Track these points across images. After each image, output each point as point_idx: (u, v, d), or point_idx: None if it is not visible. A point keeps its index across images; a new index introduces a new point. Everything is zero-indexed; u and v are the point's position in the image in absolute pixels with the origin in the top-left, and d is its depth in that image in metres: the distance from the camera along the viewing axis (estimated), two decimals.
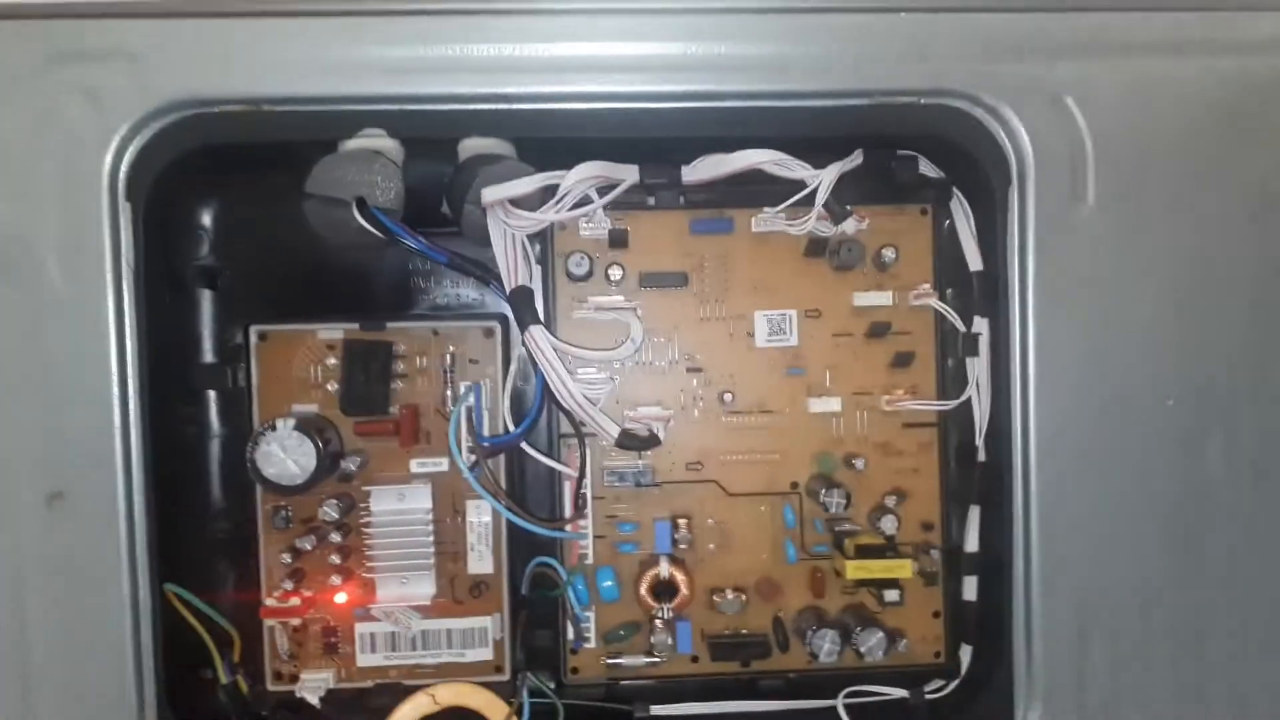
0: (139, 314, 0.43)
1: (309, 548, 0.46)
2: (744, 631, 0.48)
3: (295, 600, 0.46)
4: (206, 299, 0.48)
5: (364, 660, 0.47)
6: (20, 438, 0.43)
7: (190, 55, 0.43)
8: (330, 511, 0.45)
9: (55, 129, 0.43)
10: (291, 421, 0.43)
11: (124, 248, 0.43)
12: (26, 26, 0.43)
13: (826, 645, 0.46)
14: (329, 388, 0.47)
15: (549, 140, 0.45)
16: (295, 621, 0.46)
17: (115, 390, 0.43)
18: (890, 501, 0.47)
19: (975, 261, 0.47)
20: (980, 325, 0.47)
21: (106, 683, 0.43)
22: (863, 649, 0.46)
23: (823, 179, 0.44)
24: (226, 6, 0.43)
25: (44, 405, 0.43)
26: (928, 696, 0.48)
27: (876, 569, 0.46)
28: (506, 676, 0.47)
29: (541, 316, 0.45)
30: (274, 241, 0.48)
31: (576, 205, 0.44)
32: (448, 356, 0.47)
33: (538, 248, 0.47)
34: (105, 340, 0.43)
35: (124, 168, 0.43)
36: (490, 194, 0.43)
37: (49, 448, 0.43)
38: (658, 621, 0.47)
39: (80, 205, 0.43)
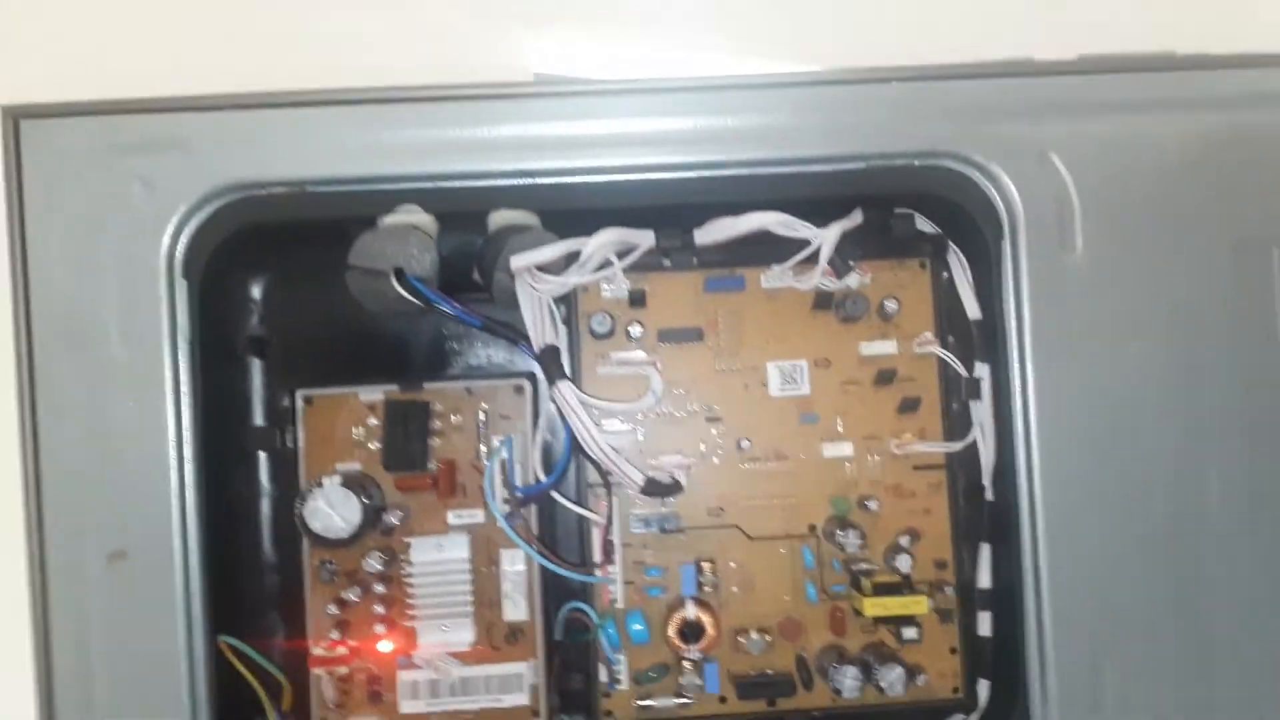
0: (194, 381, 0.46)
1: (354, 599, 0.48)
2: (769, 671, 0.49)
3: (342, 649, 0.48)
4: (256, 366, 0.51)
5: (407, 707, 0.49)
6: (84, 498, 0.46)
7: (239, 143, 0.47)
8: (374, 563, 0.48)
9: (117, 212, 0.46)
10: (338, 478, 0.46)
11: (180, 321, 0.47)
12: (90, 121, 0.47)
13: (849, 681, 0.48)
14: (371, 446, 0.49)
15: (571, 211, 0.49)
16: (341, 670, 0.49)
17: (172, 453, 0.46)
18: (904, 541, 0.50)
19: (973, 310, 0.50)
20: (981, 370, 0.50)
21: None
22: (883, 684, 0.47)
23: (825, 237, 0.47)
24: (271, 98, 0.47)
25: (106, 467, 0.46)
26: None
27: (894, 606, 0.48)
28: None
29: (568, 373, 0.48)
30: (318, 311, 0.51)
31: (598, 269, 0.48)
32: (481, 413, 0.50)
33: (563, 309, 0.50)
34: (163, 406, 0.46)
35: (180, 248, 0.47)
36: (518, 260, 0.46)
37: (111, 508, 0.46)
38: (686, 663, 0.49)
39: (140, 282, 0.46)
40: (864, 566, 0.49)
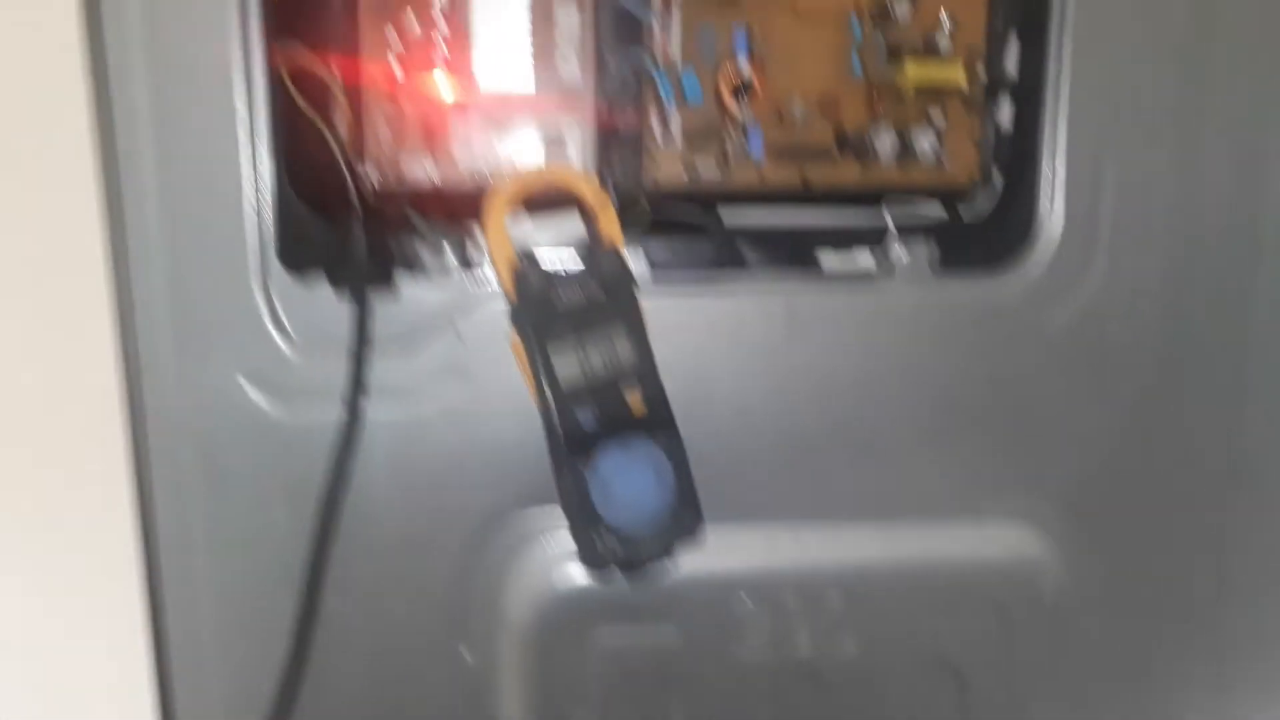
0: None
1: (414, 31, 0.48)
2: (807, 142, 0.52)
3: (398, 83, 0.48)
4: None
5: (460, 158, 0.50)
6: None
7: None
8: None
9: None
10: None
11: None
12: None
13: (884, 141, 0.51)
14: None
15: None
16: (402, 104, 0.49)
17: None
18: (945, 25, 0.52)
19: None
20: None
21: (224, 151, 0.46)
22: (916, 148, 0.51)
23: None
24: None
25: None
26: (961, 213, 0.55)
27: (935, 71, 0.50)
28: None
29: None
30: None
31: None
32: None
33: None
34: None
35: None
36: None
37: None
38: (732, 128, 0.51)
39: None
40: (906, 43, 0.52)
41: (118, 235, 0.46)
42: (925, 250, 0.54)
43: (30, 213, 0.45)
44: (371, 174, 0.49)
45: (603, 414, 0.47)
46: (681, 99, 0.50)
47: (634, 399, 0.48)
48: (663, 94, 0.50)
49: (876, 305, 0.54)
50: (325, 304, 0.48)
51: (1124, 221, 0.53)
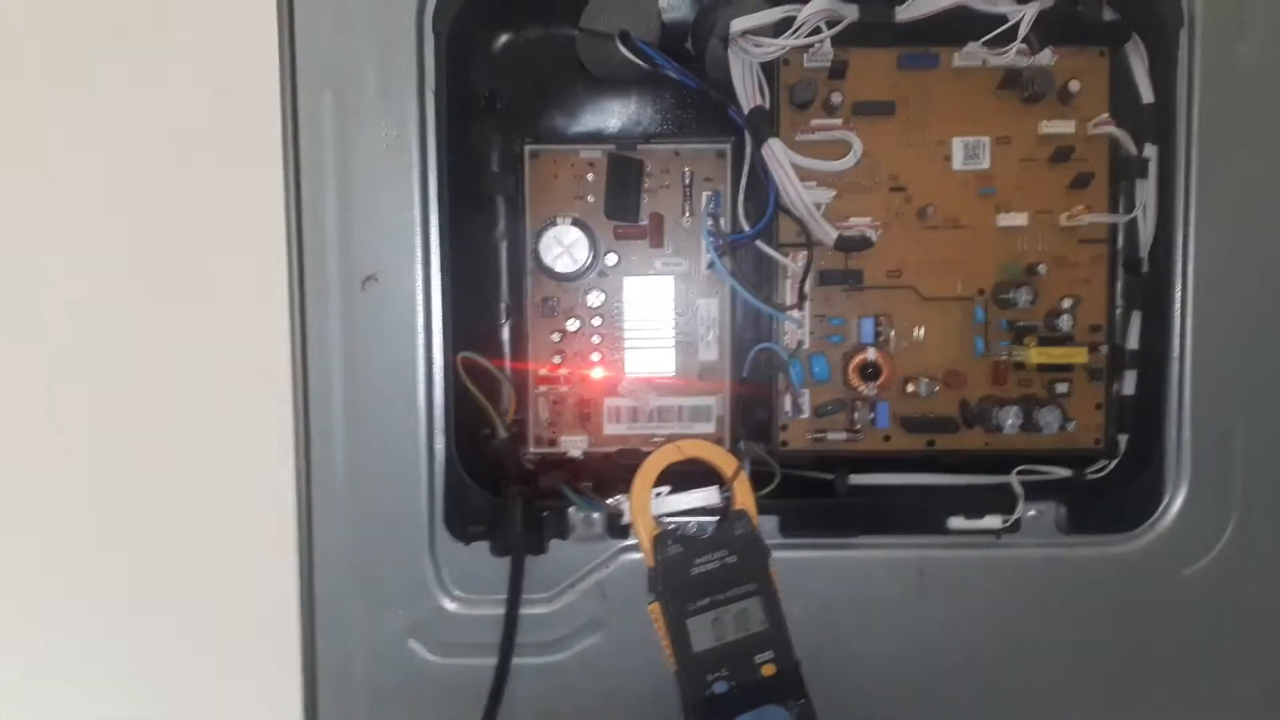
0: (439, 128, 0.52)
1: (574, 329, 0.55)
2: (933, 414, 0.56)
3: (559, 374, 0.55)
4: (490, 119, 0.57)
5: (610, 429, 0.56)
6: (339, 228, 0.52)
7: None
8: (594, 298, 0.54)
9: None
10: (569, 218, 0.52)
11: (428, 71, 0.52)
12: None
13: (1010, 419, 0.54)
14: (588, 199, 0.55)
15: None
16: (561, 389, 0.55)
17: (416, 190, 0.52)
18: (1065, 304, 0.55)
19: (1148, 94, 0.54)
20: (1150, 151, 0.54)
21: (405, 434, 0.53)
22: (1040, 423, 0.53)
23: (1025, 12, 0.50)
24: None
25: (358, 200, 0.52)
26: (1089, 477, 0.56)
27: (1057, 355, 0.53)
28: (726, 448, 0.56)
29: None
30: (548, 70, 0.56)
31: (808, 35, 0.51)
32: (686, 174, 0.55)
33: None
34: (410, 148, 0.52)
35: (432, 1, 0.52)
36: (739, 24, 0.50)
37: (363, 237, 0.52)
38: (860, 402, 0.55)
39: (395, 32, 0.51)
40: (1028, 324, 0.55)
41: (306, 506, 0.53)
42: (1052, 510, 0.56)
43: (237, 491, 0.53)
44: (532, 451, 0.55)
45: (735, 680, 0.51)
46: (811, 378, 0.55)
47: (766, 664, 0.51)
48: (794, 378, 0.54)
49: (1006, 563, 0.56)
50: (483, 564, 0.54)
51: (1255, 476, 0.54)
